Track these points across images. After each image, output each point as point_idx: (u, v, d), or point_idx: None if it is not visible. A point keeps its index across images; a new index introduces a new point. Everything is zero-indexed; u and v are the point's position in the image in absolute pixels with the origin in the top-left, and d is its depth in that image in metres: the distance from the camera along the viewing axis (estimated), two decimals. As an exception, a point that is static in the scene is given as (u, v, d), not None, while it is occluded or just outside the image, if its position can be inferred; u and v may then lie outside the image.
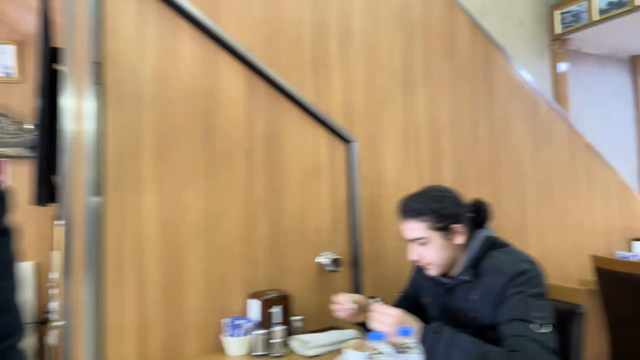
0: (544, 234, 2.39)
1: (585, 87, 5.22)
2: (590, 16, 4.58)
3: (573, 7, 4.71)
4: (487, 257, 1.36)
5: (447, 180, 2.07)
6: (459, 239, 1.37)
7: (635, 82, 5.67)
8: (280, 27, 1.70)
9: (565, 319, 1.48)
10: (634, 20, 4.43)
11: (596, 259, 2.15)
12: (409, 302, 1.58)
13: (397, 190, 1.85)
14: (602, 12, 4.49)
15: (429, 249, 1.37)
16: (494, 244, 1.39)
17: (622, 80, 5.59)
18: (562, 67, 4.88)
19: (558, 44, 4.87)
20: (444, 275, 1.42)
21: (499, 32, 4.52)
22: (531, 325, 1.18)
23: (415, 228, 1.37)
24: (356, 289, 1.79)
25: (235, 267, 1.57)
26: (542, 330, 1.17)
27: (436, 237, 1.36)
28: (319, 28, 1.78)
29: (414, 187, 1.95)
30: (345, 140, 1.81)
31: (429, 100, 2.06)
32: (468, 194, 2.15)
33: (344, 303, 1.40)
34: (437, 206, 1.35)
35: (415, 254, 1.40)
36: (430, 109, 2.06)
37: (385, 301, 1.57)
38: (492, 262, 1.34)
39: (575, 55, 5.17)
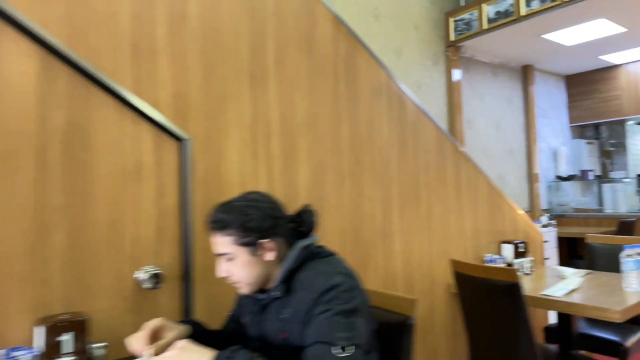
0: (410, 238, 2.33)
1: (478, 93, 5.42)
2: (480, 24, 4.74)
3: (465, 15, 4.86)
4: (304, 269, 1.22)
5: (303, 182, 1.93)
6: (269, 255, 1.21)
7: (525, 91, 6.00)
8: (85, 1, 1.45)
9: (394, 331, 1.38)
10: (520, 29, 4.65)
11: (454, 263, 2.11)
12: (235, 322, 1.40)
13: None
14: (490, 21, 4.67)
15: (236, 266, 1.21)
16: (313, 255, 1.25)
17: (513, 89, 5.89)
18: (456, 73, 5.02)
19: (452, 51, 5.00)
20: (261, 290, 1.27)
21: (394, 35, 4.55)
22: (333, 348, 1.04)
23: (220, 242, 1.21)
24: (186, 306, 1.58)
25: (18, 287, 1.30)
26: (344, 354, 1.04)
27: (243, 253, 1.20)
28: (141, 6, 1.55)
29: (261, 189, 1.80)
30: (176, 137, 1.60)
31: (283, 96, 1.90)
32: (327, 197, 2.04)
33: (140, 353, 1.16)
34: (242, 219, 1.19)
35: (223, 270, 1.23)
36: (284, 105, 1.90)
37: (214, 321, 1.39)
38: (306, 276, 1.20)
39: (469, 63, 5.35)
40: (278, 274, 1.23)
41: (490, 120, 5.49)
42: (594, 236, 2.89)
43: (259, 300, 1.27)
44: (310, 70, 2.00)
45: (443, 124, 4.92)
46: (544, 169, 6.02)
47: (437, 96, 4.89)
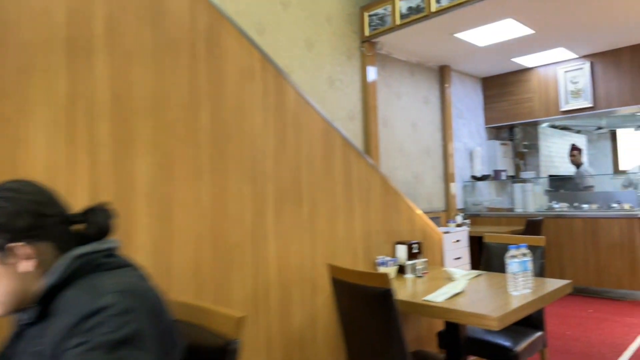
0: (288, 241, 2.08)
1: (395, 92, 5.33)
2: (394, 20, 4.63)
3: (379, 10, 4.73)
4: (74, 286, 0.92)
5: (142, 176, 1.61)
6: (25, 265, 0.90)
7: (442, 91, 6.01)
8: None
9: (212, 358, 1.11)
10: (433, 27, 4.58)
11: (331, 268, 1.89)
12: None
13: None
14: (403, 16, 4.57)
15: None
16: (93, 267, 0.95)
17: (430, 88, 5.86)
18: (372, 70, 4.88)
19: (367, 47, 4.85)
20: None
21: (304, 26, 4.32)
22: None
23: None
24: (-44, 334, 1.22)
25: None
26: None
27: None
28: None
29: (80, 185, 1.46)
30: (-54, 115, 1.23)
31: (117, 73, 1.58)
32: (177, 195, 1.72)
33: None
34: None
35: None
36: (118, 83, 1.58)
37: None
38: (72, 296, 0.90)
39: (386, 60, 5.24)
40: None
41: (407, 120, 5.42)
42: (491, 235, 2.79)
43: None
44: (157, 44, 1.69)
45: (357, 121, 4.76)
46: (460, 168, 6.06)
47: (351, 92, 4.72)
